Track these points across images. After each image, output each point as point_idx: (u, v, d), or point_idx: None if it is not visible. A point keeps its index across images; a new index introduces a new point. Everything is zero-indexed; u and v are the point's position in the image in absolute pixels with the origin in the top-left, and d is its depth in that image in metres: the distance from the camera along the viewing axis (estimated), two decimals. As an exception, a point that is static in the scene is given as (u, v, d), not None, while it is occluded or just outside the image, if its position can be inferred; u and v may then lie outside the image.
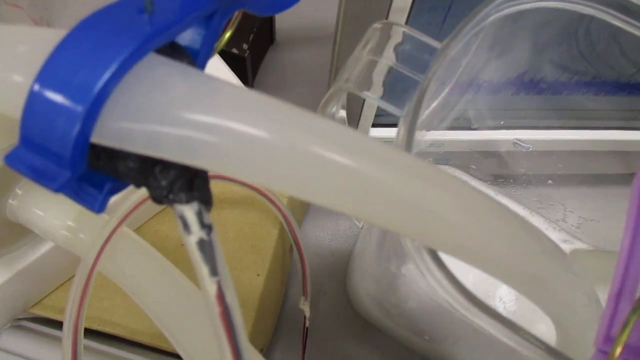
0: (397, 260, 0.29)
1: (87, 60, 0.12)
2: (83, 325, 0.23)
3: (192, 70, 0.13)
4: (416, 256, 0.17)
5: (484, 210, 0.15)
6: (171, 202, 0.14)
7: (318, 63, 0.55)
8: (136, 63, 0.12)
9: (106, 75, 0.12)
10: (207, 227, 0.14)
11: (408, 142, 0.17)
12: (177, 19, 0.13)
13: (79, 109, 0.12)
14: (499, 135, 0.31)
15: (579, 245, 0.34)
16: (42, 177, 0.12)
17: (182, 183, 0.14)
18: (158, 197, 0.14)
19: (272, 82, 0.54)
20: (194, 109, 0.12)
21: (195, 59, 0.15)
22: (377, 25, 0.21)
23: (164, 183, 0.14)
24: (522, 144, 0.30)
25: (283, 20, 0.56)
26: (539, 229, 0.17)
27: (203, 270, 0.14)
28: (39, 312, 0.32)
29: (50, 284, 0.33)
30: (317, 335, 0.42)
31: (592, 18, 0.21)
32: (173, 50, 0.14)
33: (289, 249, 0.40)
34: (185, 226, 0.14)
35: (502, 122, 0.30)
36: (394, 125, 0.35)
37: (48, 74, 0.12)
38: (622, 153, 0.32)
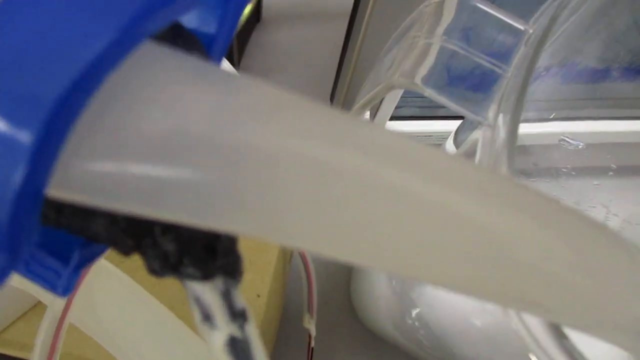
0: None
1: (37, 50, 0.07)
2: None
3: (214, 70, 0.08)
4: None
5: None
6: (181, 278, 0.09)
7: (310, 43, 0.49)
8: (123, 57, 0.07)
9: (73, 77, 0.06)
10: (239, 315, 0.09)
11: (509, 163, 0.12)
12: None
13: (25, 138, 0.06)
14: (543, 129, 0.26)
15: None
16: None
17: (199, 248, 0.09)
18: (159, 270, 0.09)
19: (259, 65, 0.48)
20: (232, 132, 0.07)
21: (209, 49, 0.10)
22: (437, -3, 0.16)
23: (169, 248, 0.09)
24: (570, 140, 0.26)
25: (269, -4, 0.50)
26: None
27: (236, 386, 0.09)
28: (-6, 349, 0.27)
29: (8, 315, 0.27)
30: (320, 351, 0.37)
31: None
32: (177, 37, 0.09)
33: (289, 259, 0.35)
34: (206, 317, 0.09)
35: (552, 115, 0.26)
36: (414, 117, 0.30)
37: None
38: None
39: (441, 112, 0.29)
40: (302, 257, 0.30)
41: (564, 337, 0.11)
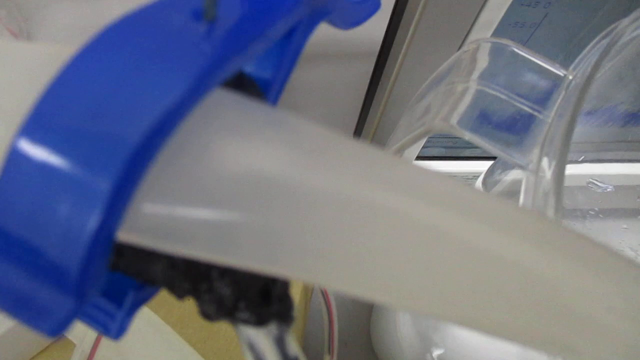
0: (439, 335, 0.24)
1: (115, 100, 0.07)
2: None
3: (279, 114, 0.08)
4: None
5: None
6: (235, 323, 0.09)
7: (331, 83, 0.50)
8: (196, 104, 0.07)
9: (149, 124, 0.07)
10: (293, 362, 0.09)
11: (557, 208, 0.12)
12: (254, 32, 0.08)
13: (102, 185, 0.06)
14: (572, 171, 0.26)
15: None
16: (21, 310, 0.07)
17: (255, 293, 0.09)
18: (213, 314, 0.09)
19: (279, 103, 0.49)
20: (303, 178, 0.07)
21: (266, 93, 0.10)
22: (474, 42, 0.16)
23: (225, 292, 0.08)
24: (599, 183, 0.26)
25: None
26: None
27: None
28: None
29: (29, 350, 0.27)
30: (339, 395, 0.36)
31: None
32: (238, 82, 0.09)
33: (309, 298, 0.35)
34: (260, 363, 0.09)
35: (582, 157, 0.26)
36: (440, 158, 0.30)
37: (43, 121, 0.07)
38: None
39: (467, 153, 0.29)
40: (325, 296, 0.30)
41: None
